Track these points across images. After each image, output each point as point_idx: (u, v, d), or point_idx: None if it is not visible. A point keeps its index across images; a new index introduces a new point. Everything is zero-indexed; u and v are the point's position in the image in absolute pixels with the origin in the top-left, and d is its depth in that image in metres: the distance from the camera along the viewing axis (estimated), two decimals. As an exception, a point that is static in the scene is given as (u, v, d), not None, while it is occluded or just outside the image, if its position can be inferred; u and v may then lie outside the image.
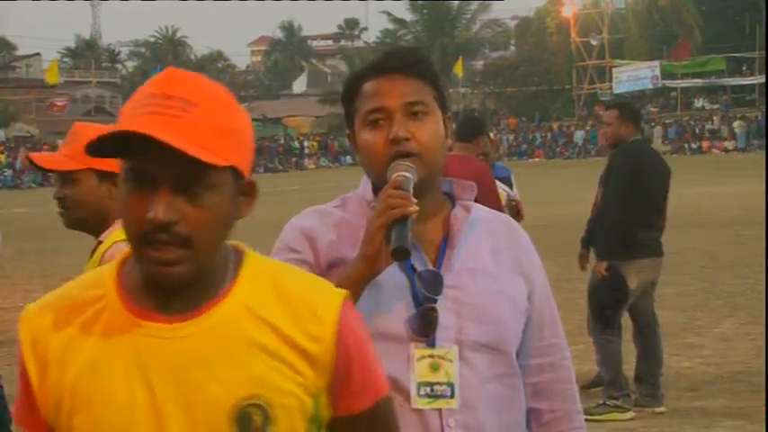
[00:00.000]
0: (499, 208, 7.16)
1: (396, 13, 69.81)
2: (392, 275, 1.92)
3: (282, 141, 58.77)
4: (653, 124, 54.92)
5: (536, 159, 52.40)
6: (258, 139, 58.87)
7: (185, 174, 1.41)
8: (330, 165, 56.49)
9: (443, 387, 1.95)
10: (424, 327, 1.96)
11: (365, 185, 2.10)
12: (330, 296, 1.53)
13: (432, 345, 1.96)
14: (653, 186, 6.73)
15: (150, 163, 1.41)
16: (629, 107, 7.28)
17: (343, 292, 1.55)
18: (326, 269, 1.99)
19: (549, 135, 56.81)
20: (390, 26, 73.24)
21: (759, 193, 19.36)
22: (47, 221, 24.34)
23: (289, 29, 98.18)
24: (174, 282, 1.44)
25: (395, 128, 1.99)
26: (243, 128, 1.49)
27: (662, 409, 6.69)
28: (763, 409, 6.26)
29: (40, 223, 22.77)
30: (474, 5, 68.13)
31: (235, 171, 1.46)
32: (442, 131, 2.06)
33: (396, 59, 2.07)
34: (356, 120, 2.07)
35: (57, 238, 20.64)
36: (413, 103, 2.02)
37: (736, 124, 52.50)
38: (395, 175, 1.94)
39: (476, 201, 7.07)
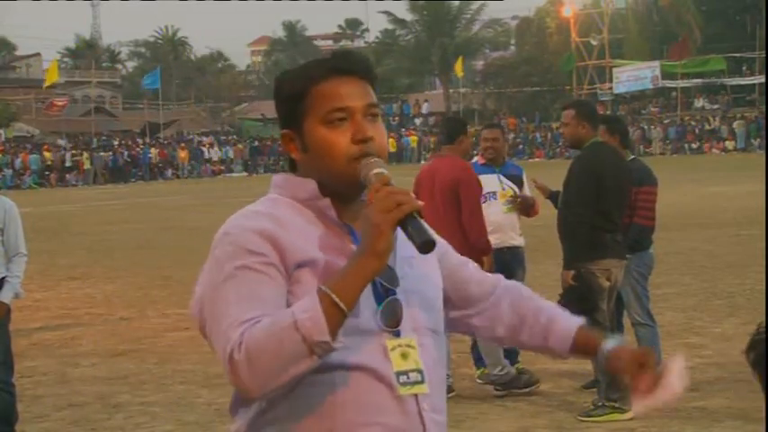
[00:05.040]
0: (478, 203, 7.25)
1: (396, 14, 69.83)
2: None
3: (282, 141, 58.67)
4: (653, 125, 54.92)
5: (536, 159, 52.38)
6: (258, 139, 58.98)
7: None
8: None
9: (415, 374, 2.04)
10: (391, 318, 2.04)
11: (293, 185, 2.12)
12: None
13: (398, 335, 2.05)
14: (614, 187, 6.66)
15: None
16: (586, 106, 7.18)
17: None
18: (294, 269, 2.00)
19: (549, 135, 56.77)
20: (390, 26, 73.26)
21: (759, 193, 19.35)
22: (46, 221, 24.36)
23: (290, 28, 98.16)
24: None
25: (362, 128, 2.05)
26: None
27: (629, 415, 6.63)
28: (763, 408, 6.25)
29: (40, 223, 22.79)
30: (474, 5, 68.14)
31: None
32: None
33: (354, 63, 2.12)
34: (307, 118, 2.09)
35: (56, 239, 20.66)
36: (372, 105, 2.10)
37: (736, 124, 52.48)
38: (377, 172, 1.99)
39: (459, 197, 7.26)
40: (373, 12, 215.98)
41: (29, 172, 47.44)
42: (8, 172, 46.94)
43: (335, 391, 1.98)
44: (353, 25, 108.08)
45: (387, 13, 70.38)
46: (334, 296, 1.87)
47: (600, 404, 6.64)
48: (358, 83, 2.09)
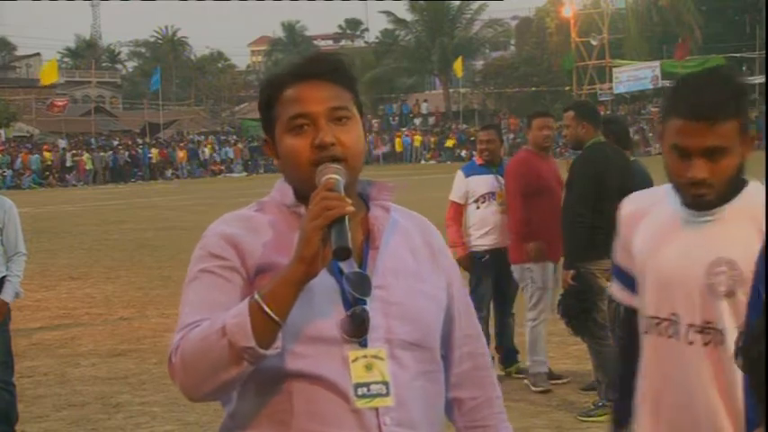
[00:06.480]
0: (516, 194, 7.37)
1: (396, 14, 69.83)
2: (321, 279, 1.92)
3: (282, 141, 58.71)
4: (653, 125, 54.92)
5: (536, 159, 52.33)
6: (258, 140, 58.91)
7: None
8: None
9: (379, 386, 1.97)
10: (357, 328, 1.98)
11: (283, 190, 2.10)
12: None
13: (364, 345, 1.98)
14: (616, 187, 6.64)
15: None
16: (585, 107, 7.19)
17: None
18: (254, 275, 1.99)
19: (548, 135, 56.75)
20: (390, 26, 73.27)
21: (759, 193, 19.26)
22: (46, 221, 24.36)
23: (290, 28, 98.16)
24: None
25: (321, 133, 2.01)
26: None
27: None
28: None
29: (40, 223, 22.79)
30: (474, 5, 68.15)
31: None
32: (363, 136, 2.09)
33: (317, 65, 2.08)
34: (277, 126, 2.08)
35: (56, 239, 20.65)
36: (337, 108, 2.04)
37: (735, 124, 52.44)
38: (326, 178, 1.95)
39: (520, 186, 7.16)
40: (373, 12, 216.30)
41: (29, 172, 47.42)
42: (8, 172, 46.93)
43: (291, 400, 1.96)
44: (353, 25, 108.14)
45: (387, 13, 70.45)
46: (261, 302, 1.85)
47: (600, 404, 6.64)
48: (323, 86, 2.05)
